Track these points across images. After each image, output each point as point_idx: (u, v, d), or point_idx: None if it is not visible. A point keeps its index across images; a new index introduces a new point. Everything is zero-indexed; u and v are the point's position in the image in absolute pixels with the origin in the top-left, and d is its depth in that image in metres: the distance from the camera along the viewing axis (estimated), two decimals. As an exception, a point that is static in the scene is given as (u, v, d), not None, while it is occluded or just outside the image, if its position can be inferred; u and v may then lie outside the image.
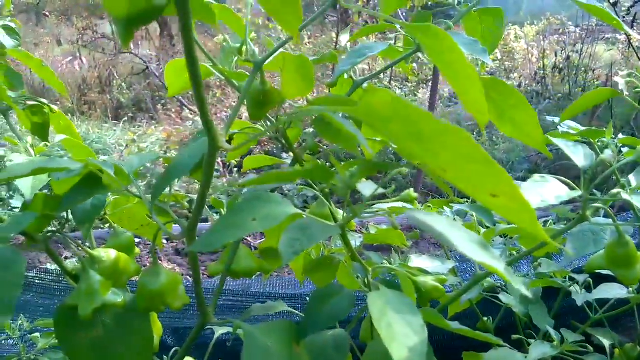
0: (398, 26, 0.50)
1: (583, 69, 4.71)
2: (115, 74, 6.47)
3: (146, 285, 0.45)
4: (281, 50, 0.43)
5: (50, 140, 0.66)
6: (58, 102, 6.19)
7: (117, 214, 0.64)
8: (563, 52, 5.00)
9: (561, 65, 4.80)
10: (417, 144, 0.26)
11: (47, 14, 8.15)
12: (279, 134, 0.48)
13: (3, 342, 1.02)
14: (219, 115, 5.20)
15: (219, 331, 0.69)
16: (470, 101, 0.32)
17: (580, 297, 0.66)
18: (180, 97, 5.80)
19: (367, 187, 0.36)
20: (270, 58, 0.40)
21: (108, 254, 0.50)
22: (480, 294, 0.68)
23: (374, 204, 0.36)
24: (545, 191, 0.46)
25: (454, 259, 0.64)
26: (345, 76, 0.51)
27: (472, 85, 0.32)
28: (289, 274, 1.64)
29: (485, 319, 0.84)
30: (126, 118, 5.26)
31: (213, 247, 0.38)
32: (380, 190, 0.41)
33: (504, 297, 0.63)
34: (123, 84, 6.20)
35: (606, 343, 0.67)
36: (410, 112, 0.24)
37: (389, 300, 0.39)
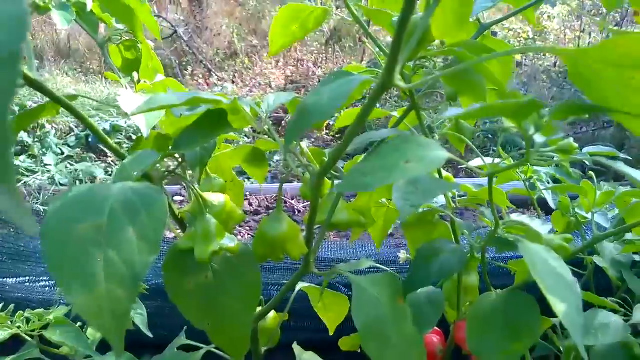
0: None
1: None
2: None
3: (268, 232, 0.43)
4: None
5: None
6: (82, 65, 6.20)
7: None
8: (602, 33, 4.87)
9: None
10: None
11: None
12: (405, 79, 0.45)
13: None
14: (247, 83, 5.16)
15: (299, 286, 0.67)
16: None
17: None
18: (207, 63, 5.75)
19: (539, 137, 0.33)
20: None
21: (218, 199, 0.48)
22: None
23: (541, 152, 0.34)
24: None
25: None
26: (471, 19, 0.48)
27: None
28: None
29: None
30: (153, 82, 5.23)
31: (360, 189, 0.36)
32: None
33: (597, 260, 0.61)
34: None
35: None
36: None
37: (537, 252, 0.36)
